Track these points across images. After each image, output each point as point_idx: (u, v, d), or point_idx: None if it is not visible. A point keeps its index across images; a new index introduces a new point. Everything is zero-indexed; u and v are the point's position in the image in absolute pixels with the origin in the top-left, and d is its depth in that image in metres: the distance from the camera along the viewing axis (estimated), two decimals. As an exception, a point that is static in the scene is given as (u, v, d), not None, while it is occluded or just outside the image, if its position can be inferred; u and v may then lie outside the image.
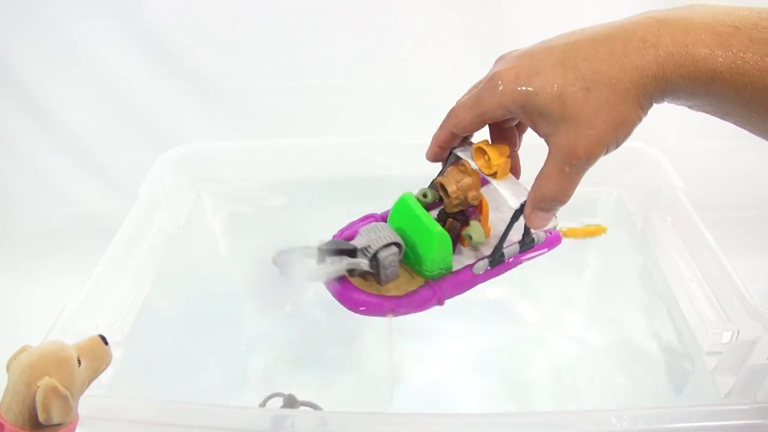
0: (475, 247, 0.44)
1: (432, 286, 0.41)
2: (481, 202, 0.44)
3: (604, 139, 0.35)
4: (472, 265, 0.42)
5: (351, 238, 0.42)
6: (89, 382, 0.36)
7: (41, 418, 0.31)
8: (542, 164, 0.37)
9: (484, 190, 0.44)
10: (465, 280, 0.42)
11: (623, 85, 0.34)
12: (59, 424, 0.32)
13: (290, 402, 0.45)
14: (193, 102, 0.91)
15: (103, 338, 0.37)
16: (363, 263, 0.40)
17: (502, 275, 0.45)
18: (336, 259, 0.39)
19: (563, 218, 0.45)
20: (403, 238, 0.41)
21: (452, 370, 0.75)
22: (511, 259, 0.44)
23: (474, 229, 0.42)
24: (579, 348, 0.76)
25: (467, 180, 0.41)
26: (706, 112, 0.35)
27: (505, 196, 0.40)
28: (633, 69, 0.33)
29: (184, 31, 0.86)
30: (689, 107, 0.35)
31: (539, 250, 0.45)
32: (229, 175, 0.71)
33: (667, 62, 0.33)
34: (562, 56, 0.35)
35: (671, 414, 0.39)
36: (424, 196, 0.44)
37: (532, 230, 0.43)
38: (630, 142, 0.68)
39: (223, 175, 0.71)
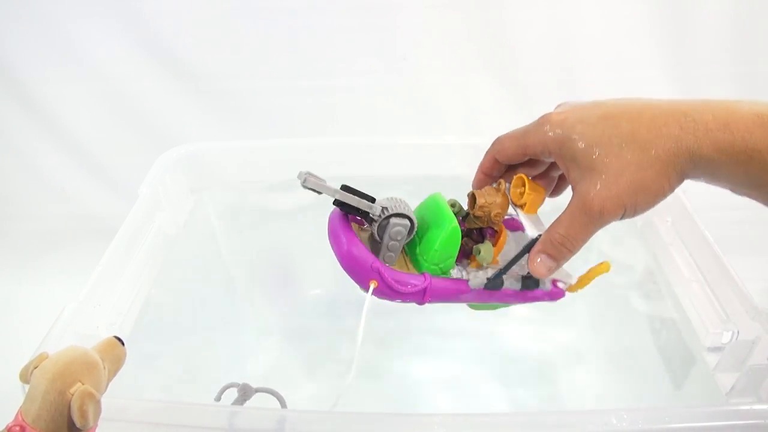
0: (477, 268, 0.44)
1: (426, 277, 0.41)
2: (500, 232, 0.44)
3: (621, 199, 0.35)
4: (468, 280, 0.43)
5: None
6: (109, 383, 0.36)
7: (79, 424, 0.32)
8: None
9: (510, 235, 0.45)
10: (456, 288, 0.42)
11: (655, 150, 0.34)
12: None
13: (245, 391, 0.45)
14: (193, 102, 0.91)
15: (119, 339, 0.37)
16: (376, 209, 0.40)
17: (491, 311, 0.47)
18: (352, 195, 0.40)
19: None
20: (420, 219, 0.42)
21: (451, 370, 0.75)
22: (506, 290, 0.44)
23: (485, 246, 0.43)
24: (579, 348, 0.76)
25: (498, 199, 0.42)
26: (749, 196, 0.35)
27: (525, 225, 0.42)
28: (669, 138, 0.34)
29: (184, 31, 0.86)
30: (731, 190, 0.36)
31: (539, 297, 0.45)
32: (228, 175, 0.71)
33: (704, 137, 0.33)
34: (608, 112, 0.37)
35: (671, 414, 0.39)
36: (452, 205, 0.44)
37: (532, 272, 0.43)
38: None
39: (223, 175, 0.71)
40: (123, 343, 0.37)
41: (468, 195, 0.44)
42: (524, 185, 0.42)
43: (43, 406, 0.32)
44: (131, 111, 0.92)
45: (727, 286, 0.49)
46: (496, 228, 0.44)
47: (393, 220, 0.40)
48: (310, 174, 0.40)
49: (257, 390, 0.45)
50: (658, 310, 0.61)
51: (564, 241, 0.38)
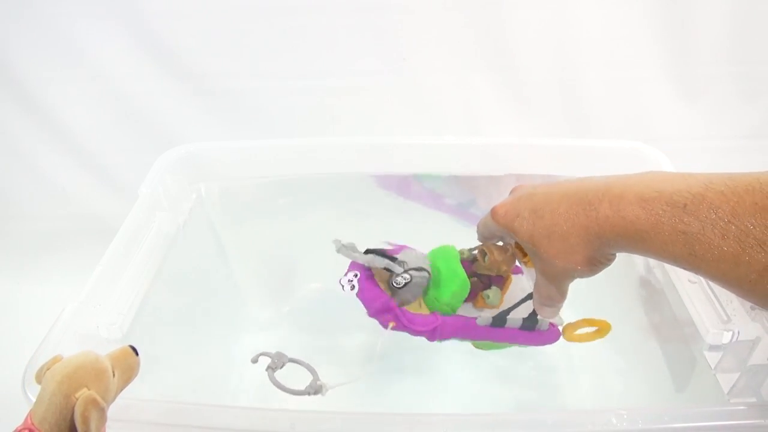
0: (483, 308, 0.52)
1: (436, 317, 0.48)
2: (507, 277, 0.52)
3: (567, 273, 0.42)
4: (475, 317, 0.50)
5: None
6: (119, 392, 0.36)
7: (80, 430, 0.32)
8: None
9: (515, 279, 0.53)
10: (465, 327, 0.49)
11: (573, 239, 0.39)
12: None
13: (279, 358, 0.48)
14: (193, 102, 0.91)
15: (134, 348, 0.37)
16: (398, 269, 0.47)
17: (492, 351, 0.54)
18: (378, 257, 0.48)
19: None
20: (435, 268, 0.49)
21: (451, 369, 0.75)
22: (509, 328, 0.50)
23: (493, 291, 0.51)
24: (579, 348, 0.76)
25: (505, 257, 0.49)
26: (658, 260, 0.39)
27: (528, 277, 0.50)
28: (580, 227, 0.39)
29: (184, 31, 0.86)
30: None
31: (536, 340, 0.52)
32: (229, 175, 0.71)
33: (604, 224, 0.38)
34: (536, 205, 0.42)
35: (671, 414, 0.39)
36: (461, 253, 0.51)
37: (539, 316, 0.50)
38: (630, 143, 0.69)
39: (223, 175, 0.71)
40: (137, 353, 0.37)
41: (478, 250, 0.50)
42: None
43: (49, 409, 0.32)
44: (131, 111, 0.91)
45: (727, 286, 0.49)
46: (503, 275, 0.51)
47: (414, 273, 0.47)
48: (342, 245, 0.48)
49: (290, 360, 0.48)
50: (658, 311, 0.61)
51: (544, 301, 0.46)
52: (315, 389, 0.46)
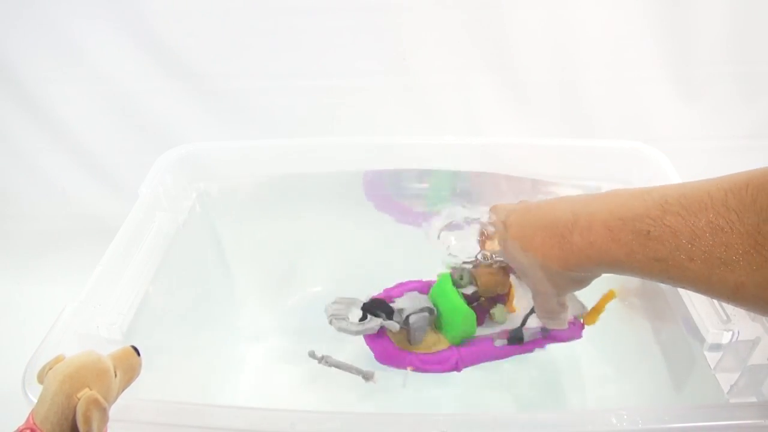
0: (495, 324, 0.53)
1: (454, 350, 0.50)
2: (508, 292, 0.53)
3: (550, 297, 0.43)
4: (492, 338, 0.52)
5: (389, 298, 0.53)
6: (121, 392, 0.36)
7: (82, 430, 0.32)
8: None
9: (516, 281, 0.54)
10: (485, 351, 0.51)
11: (551, 270, 0.41)
12: None
13: (325, 357, 0.53)
14: (193, 102, 0.91)
15: (136, 349, 0.37)
16: (394, 326, 0.49)
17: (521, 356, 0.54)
18: (373, 318, 0.50)
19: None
20: (437, 307, 0.51)
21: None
22: (530, 340, 0.52)
23: (498, 310, 0.53)
24: (579, 347, 0.76)
25: (498, 277, 0.51)
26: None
27: (519, 284, 0.52)
28: (556, 259, 0.40)
29: (184, 31, 0.86)
30: None
31: (558, 338, 0.53)
32: (229, 174, 0.71)
33: (580, 254, 0.38)
34: (513, 236, 0.44)
35: (671, 414, 0.39)
36: (461, 278, 0.52)
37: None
38: (630, 143, 0.69)
39: (224, 175, 0.71)
40: (139, 353, 0.37)
41: (471, 276, 0.52)
42: None
43: (51, 408, 0.32)
44: (131, 111, 0.91)
45: (727, 286, 0.49)
46: (502, 293, 0.53)
47: (412, 318, 0.50)
48: (333, 316, 0.52)
49: (335, 363, 0.53)
50: (657, 311, 0.61)
51: (543, 313, 0.47)
52: (367, 375, 0.52)
